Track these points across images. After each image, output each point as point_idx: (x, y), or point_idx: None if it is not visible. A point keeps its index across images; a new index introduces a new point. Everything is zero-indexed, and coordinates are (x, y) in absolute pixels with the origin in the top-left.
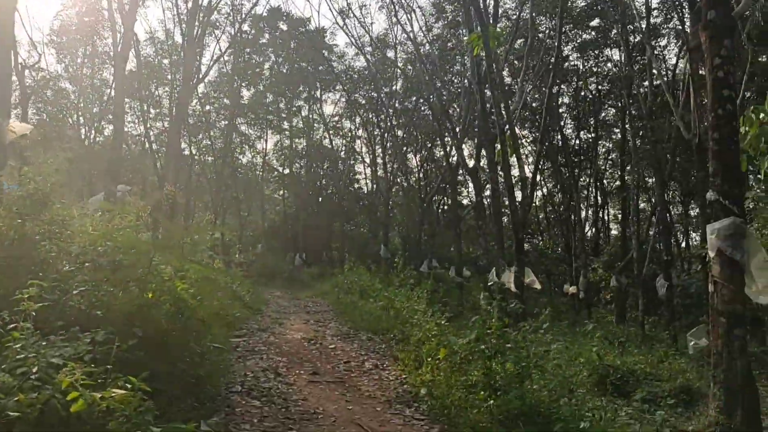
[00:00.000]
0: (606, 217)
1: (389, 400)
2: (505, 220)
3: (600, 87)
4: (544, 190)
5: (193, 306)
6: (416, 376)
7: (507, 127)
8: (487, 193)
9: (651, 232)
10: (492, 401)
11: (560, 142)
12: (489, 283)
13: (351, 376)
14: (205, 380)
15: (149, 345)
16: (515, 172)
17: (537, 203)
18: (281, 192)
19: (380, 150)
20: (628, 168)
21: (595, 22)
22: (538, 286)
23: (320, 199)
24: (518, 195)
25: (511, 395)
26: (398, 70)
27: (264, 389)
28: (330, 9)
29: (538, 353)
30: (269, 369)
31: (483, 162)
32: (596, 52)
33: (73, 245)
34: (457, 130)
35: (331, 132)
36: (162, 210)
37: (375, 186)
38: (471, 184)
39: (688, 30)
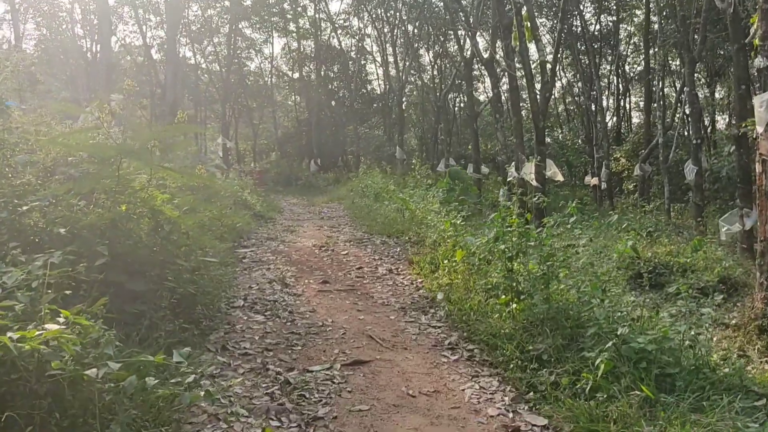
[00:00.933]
0: (627, 106)
1: (404, 307)
2: (524, 113)
3: None
4: (564, 80)
5: (175, 218)
6: (432, 281)
7: (524, 8)
8: (505, 86)
9: (677, 117)
10: (514, 305)
11: (580, 28)
12: (508, 178)
13: (363, 284)
14: (199, 298)
15: (126, 264)
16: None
17: (556, 95)
18: (293, 98)
19: (391, 48)
20: (652, 51)
21: None
22: (560, 178)
23: (333, 102)
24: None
25: (535, 298)
26: None
27: (269, 302)
28: None
29: (564, 251)
30: (276, 280)
31: (499, 54)
32: None
33: (37, 155)
34: (471, 20)
35: (339, 32)
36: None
37: (388, 86)
38: (487, 79)
39: None
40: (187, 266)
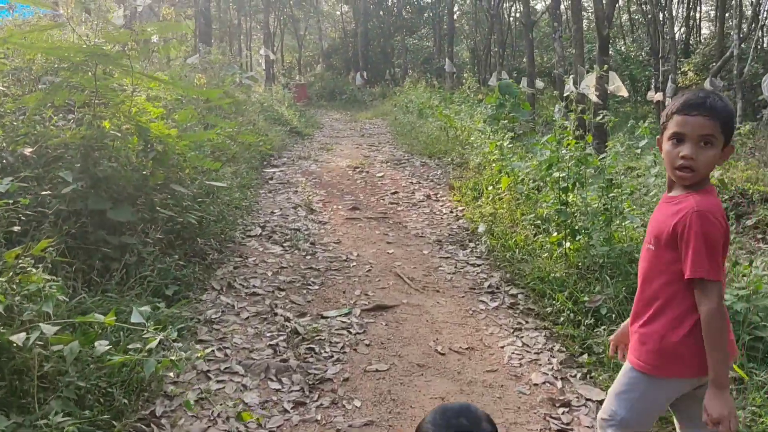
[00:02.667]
0: (697, 15)
1: (440, 240)
2: (585, 22)
3: None
4: None
5: (164, 136)
6: (474, 209)
7: None
8: None
9: (753, 27)
10: (568, 244)
11: None
12: (565, 93)
13: (397, 211)
14: (205, 228)
15: (110, 191)
16: None
17: (620, 2)
18: (340, 7)
19: None
20: None
21: None
22: (624, 93)
23: (381, 12)
24: None
25: (594, 238)
26: None
27: (289, 231)
28: None
29: (629, 180)
30: (302, 205)
31: None
32: None
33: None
34: None
35: None
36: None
37: None
38: None
39: None
40: (187, 192)
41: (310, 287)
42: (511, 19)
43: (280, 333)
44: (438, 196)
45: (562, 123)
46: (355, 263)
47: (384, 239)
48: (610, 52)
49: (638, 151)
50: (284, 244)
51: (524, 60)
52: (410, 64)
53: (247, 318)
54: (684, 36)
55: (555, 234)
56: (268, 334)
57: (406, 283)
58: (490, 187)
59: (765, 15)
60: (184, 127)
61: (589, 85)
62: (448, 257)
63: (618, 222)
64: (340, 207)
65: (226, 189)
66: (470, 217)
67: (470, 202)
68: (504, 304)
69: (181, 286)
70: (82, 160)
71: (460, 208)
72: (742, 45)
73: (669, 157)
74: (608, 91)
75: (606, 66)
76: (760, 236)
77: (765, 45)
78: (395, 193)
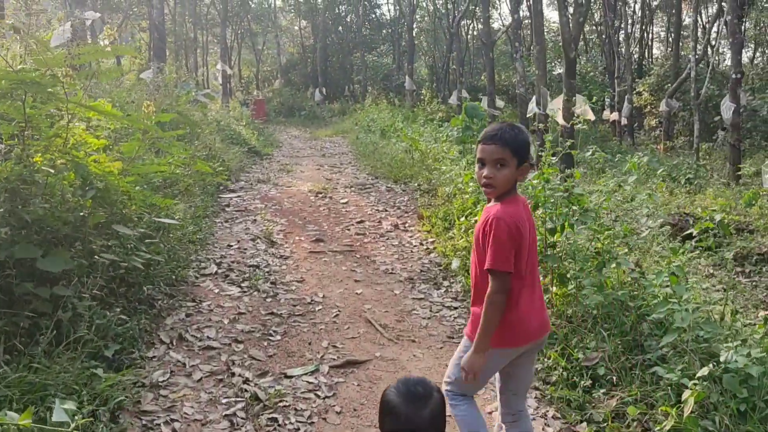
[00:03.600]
0: (650, 36)
1: (411, 277)
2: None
3: None
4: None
5: (102, 173)
6: (445, 242)
7: None
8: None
9: (709, 49)
10: (554, 289)
11: None
12: (528, 114)
13: (364, 243)
14: (154, 270)
15: (41, 235)
16: None
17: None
18: (298, 22)
19: None
20: None
21: None
22: (591, 116)
23: (340, 28)
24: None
25: (585, 285)
26: None
27: (248, 268)
28: None
29: (625, 227)
30: (261, 237)
31: None
32: None
33: None
34: None
35: None
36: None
37: (398, 11)
38: (503, 4)
39: None
40: (132, 234)
41: (271, 338)
42: (469, 36)
43: (239, 399)
44: (406, 225)
45: (547, 158)
46: (320, 307)
47: (351, 276)
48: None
49: (627, 189)
50: (242, 285)
51: (482, 78)
52: (370, 80)
53: (200, 379)
54: (637, 56)
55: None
56: (225, 401)
57: (378, 332)
58: (463, 218)
59: (717, 38)
60: (132, 158)
61: (556, 108)
62: (421, 298)
63: (612, 267)
64: (302, 238)
65: (179, 225)
66: (442, 251)
67: (441, 234)
68: None
69: (125, 343)
70: (9, 201)
71: (430, 240)
72: (699, 66)
73: (477, 177)
74: (576, 114)
75: (571, 90)
76: (739, 269)
77: (720, 67)
78: (361, 222)
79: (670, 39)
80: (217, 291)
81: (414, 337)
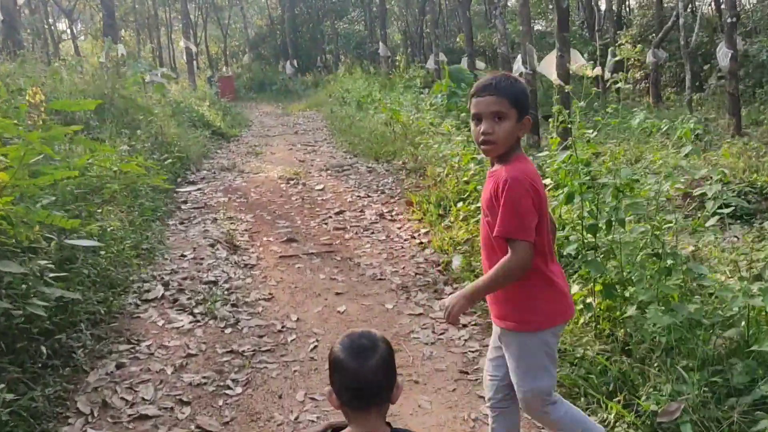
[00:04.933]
0: None
1: (405, 284)
2: None
3: None
4: None
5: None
6: (442, 233)
7: None
8: None
9: None
10: (595, 301)
11: None
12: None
13: (345, 240)
14: (66, 311)
15: None
16: None
17: None
18: None
19: None
20: None
21: None
22: (589, 72)
23: None
24: None
25: (646, 302)
26: None
27: (203, 287)
28: None
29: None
30: (221, 240)
31: None
32: None
33: None
34: None
35: None
36: None
37: None
38: None
39: None
40: (32, 268)
41: (228, 393)
42: None
43: None
44: (393, 214)
45: (581, 130)
46: (294, 336)
47: (331, 287)
48: (548, 28)
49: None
50: (195, 311)
51: (458, 40)
52: (342, 49)
53: None
54: (616, 8)
55: (576, 289)
56: None
57: None
58: (460, 203)
59: None
60: (27, 164)
61: (547, 66)
62: (420, 314)
63: (681, 274)
64: (271, 239)
65: (112, 240)
66: (439, 245)
67: (435, 223)
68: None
69: (20, 427)
70: None
71: (423, 231)
72: (689, 9)
73: (474, 136)
74: (571, 71)
75: (565, 45)
76: None
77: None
78: (340, 212)
79: None
80: (162, 323)
81: (417, 377)
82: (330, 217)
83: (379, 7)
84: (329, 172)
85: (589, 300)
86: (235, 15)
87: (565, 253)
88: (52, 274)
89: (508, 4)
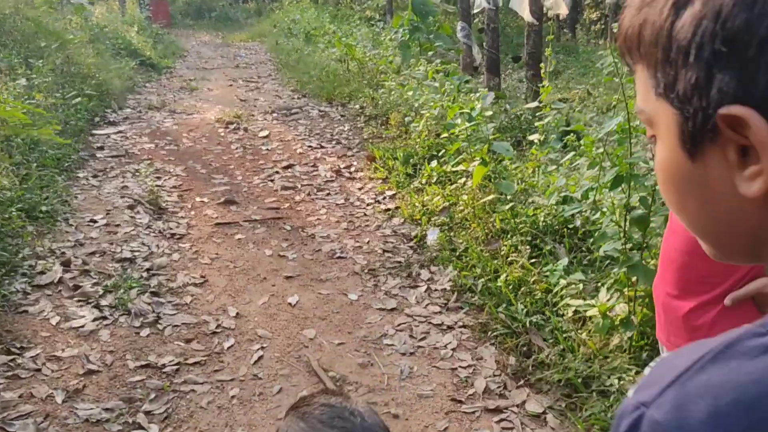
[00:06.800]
0: None
1: (372, 266)
2: None
3: None
4: None
5: None
6: (411, 196)
7: None
8: None
9: None
10: (631, 312)
11: None
12: (475, 10)
13: (296, 203)
14: None
15: None
16: None
17: None
18: None
19: None
20: None
21: None
22: (564, 10)
23: None
24: None
25: None
26: None
27: (116, 266)
28: None
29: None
30: (143, 201)
31: None
32: None
33: None
34: None
35: None
36: None
37: None
38: None
39: None
40: None
41: None
42: None
43: None
44: (352, 170)
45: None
46: (232, 342)
47: (279, 268)
48: None
49: None
50: (102, 302)
51: None
52: None
53: None
54: None
55: (606, 297)
56: None
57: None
58: (434, 162)
59: None
60: None
61: (519, 2)
62: (392, 308)
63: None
64: (205, 200)
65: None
66: (410, 213)
67: (404, 184)
68: None
69: None
70: None
71: (389, 194)
72: None
73: None
74: (546, 8)
75: None
76: None
77: None
78: (289, 166)
79: None
80: (56, 321)
81: (395, 406)
82: (276, 172)
83: None
84: (275, 115)
85: (631, 316)
86: None
87: (602, 253)
88: None
89: None
